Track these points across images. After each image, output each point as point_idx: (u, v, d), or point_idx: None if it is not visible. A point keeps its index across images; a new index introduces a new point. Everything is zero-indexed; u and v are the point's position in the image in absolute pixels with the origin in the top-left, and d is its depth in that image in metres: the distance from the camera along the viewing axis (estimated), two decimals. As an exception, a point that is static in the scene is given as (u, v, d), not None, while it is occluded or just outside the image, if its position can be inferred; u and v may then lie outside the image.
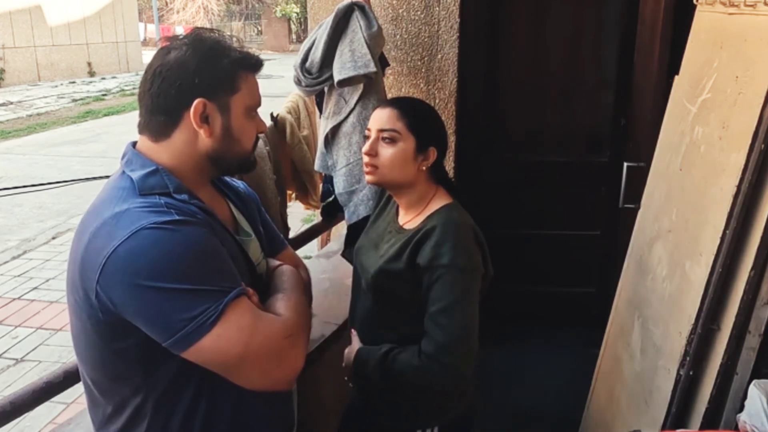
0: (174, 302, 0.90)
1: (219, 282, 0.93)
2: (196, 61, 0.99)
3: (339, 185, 2.04)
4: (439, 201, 1.43)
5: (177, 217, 0.93)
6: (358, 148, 1.97)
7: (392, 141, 1.38)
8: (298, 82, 2.08)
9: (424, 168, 1.41)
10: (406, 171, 1.39)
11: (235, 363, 0.94)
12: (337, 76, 1.94)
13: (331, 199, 2.20)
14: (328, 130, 2.04)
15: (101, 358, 0.99)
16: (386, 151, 1.38)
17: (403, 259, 1.36)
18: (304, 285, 1.20)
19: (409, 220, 1.44)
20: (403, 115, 1.39)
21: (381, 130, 1.39)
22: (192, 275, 0.90)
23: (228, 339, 0.91)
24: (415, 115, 1.41)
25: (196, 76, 0.99)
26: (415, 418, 1.46)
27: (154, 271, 0.89)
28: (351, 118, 1.99)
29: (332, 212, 2.30)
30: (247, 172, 1.17)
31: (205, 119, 1.01)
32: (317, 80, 2.02)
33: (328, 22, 1.99)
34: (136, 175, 0.99)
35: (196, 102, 0.99)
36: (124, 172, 1.02)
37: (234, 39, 1.07)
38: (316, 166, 2.17)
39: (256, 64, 1.06)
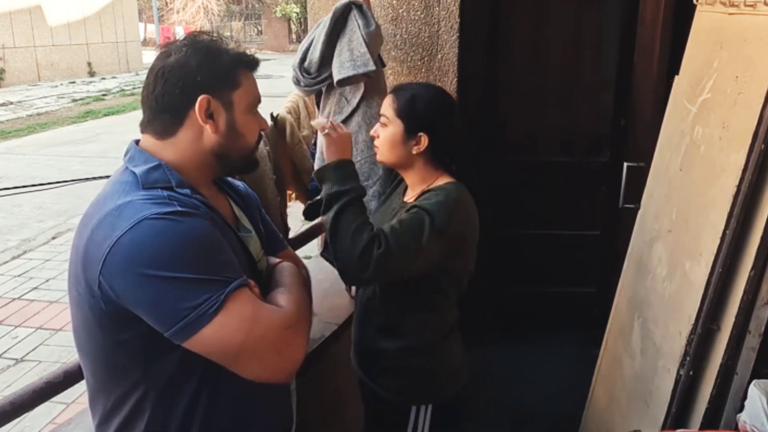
0: (176, 291, 0.90)
1: (221, 272, 0.94)
2: (196, 60, 1.02)
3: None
4: (443, 181, 1.50)
5: (179, 209, 0.94)
6: (365, 147, 1.97)
7: (384, 125, 1.50)
8: (297, 82, 2.08)
9: (415, 152, 1.48)
10: (397, 153, 1.49)
11: (235, 352, 0.94)
12: (337, 75, 1.93)
13: (318, 197, 2.19)
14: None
15: (103, 351, 1.00)
16: (381, 134, 1.51)
17: None
18: (305, 281, 1.21)
19: (413, 196, 1.51)
20: (394, 100, 1.49)
21: (379, 115, 1.53)
22: (194, 265, 0.91)
23: (229, 328, 0.92)
24: (407, 101, 1.48)
25: (198, 74, 1.01)
26: (411, 394, 1.53)
27: (156, 260, 0.90)
28: (356, 117, 1.99)
29: (315, 212, 2.27)
30: (249, 172, 1.19)
31: (209, 115, 1.03)
32: (316, 80, 2.02)
33: (325, 21, 1.99)
34: (139, 169, 1.01)
35: (200, 98, 1.01)
36: (127, 167, 1.03)
37: (230, 39, 1.11)
38: (317, 166, 2.16)
39: (252, 62, 1.10)
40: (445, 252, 1.39)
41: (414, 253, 1.34)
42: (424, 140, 1.47)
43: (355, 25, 1.96)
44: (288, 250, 1.33)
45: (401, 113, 1.47)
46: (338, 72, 1.93)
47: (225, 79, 1.04)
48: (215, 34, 1.09)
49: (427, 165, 1.51)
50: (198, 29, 1.15)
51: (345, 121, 2.01)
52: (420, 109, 1.48)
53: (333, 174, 1.39)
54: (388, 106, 1.49)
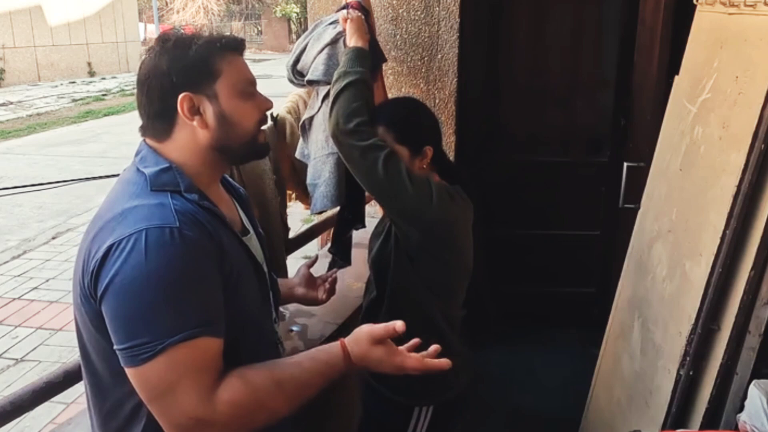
0: (128, 318, 0.90)
1: (176, 317, 0.91)
2: (166, 61, 1.00)
3: (308, 176, 2.03)
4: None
5: (178, 227, 0.93)
6: (320, 146, 1.96)
7: None
8: (291, 81, 2.08)
9: (425, 166, 1.50)
10: None
11: (146, 401, 0.93)
12: (309, 75, 1.93)
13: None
14: (303, 119, 2.04)
15: (100, 355, 0.99)
16: None
17: (390, 239, 1.48)
18: (311, 377, 1.03)
19: None
20: (388, 129, 1.47)
21: None
22: (156, 299, 0.90)
23: (147, 382, 0.91)
24: (401, 125, 1.49)
25: (172, 74, 1.00)
26: (414, 395, 1.54)
27: (127, 278, 0.89)
28: (319, 115, 1.98)
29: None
30: (260, 157, 1.15)
31: (196, 111, 1.01)
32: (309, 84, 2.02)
33: (321, 28, 1.97)
34: (149, 171, 1.00)
35: (180, 98, 1.00)
36: (137, 168, 1.02)
37: (203, 29, 1.08)
38: (297, 153, 2.15)
39: (229, 43, 1.05)
40: (423, 217, 1.42)
41: (380, 172, 1.38)
42: (430, 152, 1.50)
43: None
44: None
45: (402, 139, 1.47)
46: (311, 72, 1.93)
47: (200, 71, 1.01)
48: (187, 28, 1.08)
49: (431, 172, 1.54)
50: (168, 31, 1.11)
51: (313, 117, 2.00)
52: (417, 126, 1.52)
53: (346, 57, 1.56)
54: (384, 135, 1.46)
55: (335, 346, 1.06)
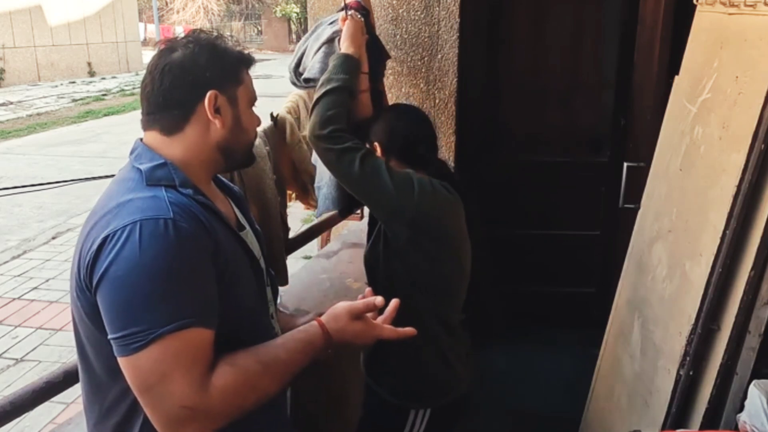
0: (121, 308, 0.91)
1: (168, 307, 0.91)
2: (205, 57, 1.04)
3: (315, 179, 2.05)
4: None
5: (173, 219, 0.94)
6: None
7: None
8: (294, 84, 2.09)
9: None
10: None
11: (137, 392, 0.93)
12: (305, 74, 1.94)
13: None
14: None
15: (98, 349, 1.00)
16: None
17: (380, 239, 1.49)
18: (305, 356, 1.06)
19: None
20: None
21: None
22: (149, 289, 0.90)
23: (139, 371, 0.91)
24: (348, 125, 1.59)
25: (207, 70, 1.03)
26: (410, 397, 1.55)
27: (121, 269, 0.90)
28: None
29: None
30: (248, 166, 1.21)
31: (217, 110, 1.05)
32: (309, 84, 2.02)
33: (321, 29, 1.97)
34: (144, 166, 1.02)
35: (209, 94, 1.03)
36: (133, 165, 1.04)
37: (230, 38, 1.14)
38: (312, 159, 2.17)
39: (251, 60, 1.13)
40: (404, 208, 1.43)
41: (357, 171, 1.42)
42: (378, 147, 1.55)
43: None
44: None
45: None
46: (307, 71, 1.93)
47: (231, 75, 1.07)
48: (216, 32, 1.11)
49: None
50: (198, 29, 1.18)
51: None
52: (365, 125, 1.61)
53: (332, 63, 1.60)
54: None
55: (313, 325, 1.09)
